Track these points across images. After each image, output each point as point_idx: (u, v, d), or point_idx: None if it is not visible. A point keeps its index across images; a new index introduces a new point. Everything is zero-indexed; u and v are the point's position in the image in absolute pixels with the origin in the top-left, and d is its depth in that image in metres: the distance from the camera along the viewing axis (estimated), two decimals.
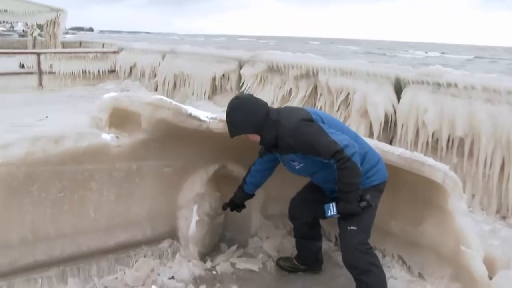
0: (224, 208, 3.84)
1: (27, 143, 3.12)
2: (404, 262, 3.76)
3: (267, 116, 3.09)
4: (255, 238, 4.20)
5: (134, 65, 13.94)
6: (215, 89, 10.45)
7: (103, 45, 16.60)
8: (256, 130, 3.12)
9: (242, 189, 3.69)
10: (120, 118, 3.57)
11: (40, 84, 14.21)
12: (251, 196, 3.74)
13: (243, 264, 3.83)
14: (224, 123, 3.51)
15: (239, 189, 3.72)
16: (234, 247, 4.05)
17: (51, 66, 14.43)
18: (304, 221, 3.56)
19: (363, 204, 2.99)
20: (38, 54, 14.41)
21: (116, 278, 3.55)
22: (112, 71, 15.05)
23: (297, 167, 3.24)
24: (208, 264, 3.81)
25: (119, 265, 3.62)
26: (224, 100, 9.65)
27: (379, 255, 3.86)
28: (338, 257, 3.98)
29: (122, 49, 15.01)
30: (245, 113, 3.08)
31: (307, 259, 3.69)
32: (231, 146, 3.64)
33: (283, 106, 3.35)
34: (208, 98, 10.42)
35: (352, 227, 3.06)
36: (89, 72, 14.79)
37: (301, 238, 3.64)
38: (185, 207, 3.88)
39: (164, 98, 3.45)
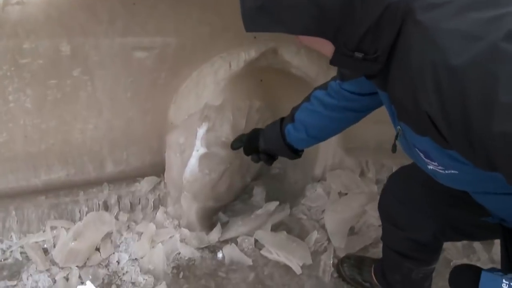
0: (233, 147, 1.95)
1: None
2: None
3: None
4: (317, 188, 2.28)
5: None
6: None
7: None
8: (323, 29, 0.96)
9: (282, 133, 1.71)
10: None
11: None
12: (296, 154, 1.77)
13: (273, 251, 2.01)
14: None
15: (277, 127, 1.73)
16: (273, 204, 2.20)
17: None
18: (412, 237, 1.54)
19: None
20: None
21: (44, 242, 2.00)
22: None
23: (430, 167, 1.14)
24: (214, 235, 2.07)
25: (56, 218, 2.04)
26: None
27: None
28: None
29: None
30: None
31: (398, 285, 1.76)
32: None
33: None
34: None
35: None
36: None
37: (397, 254, 1.66)
38: (182, 128, 2.03)
39: None
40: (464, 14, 0.85)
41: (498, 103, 0.77)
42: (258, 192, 2.30)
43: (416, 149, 1.12)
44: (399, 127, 1.15)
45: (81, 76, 1.83)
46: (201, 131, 2.00)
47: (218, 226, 2.09)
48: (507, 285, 0.99)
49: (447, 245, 2.00)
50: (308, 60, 2.05)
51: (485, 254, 2.03)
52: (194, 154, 2.01)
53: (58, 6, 1.65)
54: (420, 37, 0.90)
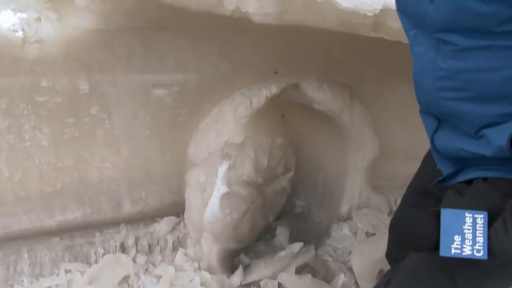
0: None
1: None
2: None
3: None
4: (343, 228, 2.17)
5: None
6: None
7: None
8: None
9: None
10: None
11: None
12: None
13: None
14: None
15: None
16: (297, 245, 2.09)
17: None
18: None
19: None
20: None
21: (58, 286, 1.92)
22: None
23: None
24: (236, 278, 1.96)
25: (71, 261, 1.96)
26: None
27: None
28: None
29: None
30: None
31: None
32: (315, 44, 1.83)
33: None
34: None
35: None
36: None
37: None
38: (202, 166, 1.96)
39: None
40: None
41: None
42: (282, 232, 2.21)
43: None
44: None
45: (99, 114, 1.79)
46: (222, 169, 1.93)
47: (240, 269, 1.99)
48: (471, 217, 0.96)
49: None
50: (331, 95, 1.98)
51: None
52: (215, 193, 1.93)
53: (77, 44, 1.62)
54: None
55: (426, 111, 1.15)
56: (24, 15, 1.58)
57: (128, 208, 2.00)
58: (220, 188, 1.93)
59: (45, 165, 1.82)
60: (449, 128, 1.10)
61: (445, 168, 1.15)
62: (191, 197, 1.97)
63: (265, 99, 1.92)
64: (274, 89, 1.92)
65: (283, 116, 2.13)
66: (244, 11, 1.53)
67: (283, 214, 2.32)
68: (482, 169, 1.07)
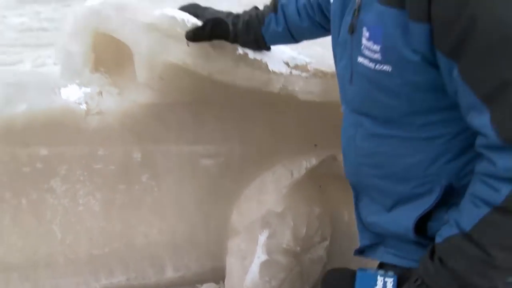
0: (190, 37, 1.48)
1: None
2: None
3: None
4: None
5: None
6: None
7: None
8: None
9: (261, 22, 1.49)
10: (108, 54, 1.80)
11: None
12: (263, 45, 1.57)
13: None
14: (329, 79, 1.62)
15: (258, 15, 1.50)
16: None
17: None
18: None
19: None
20: None
21: None
22: None
23: (361, 60, 1.01)
24: None
25: None
26: None
27: None
28: None
29: None
30: None
31: None
32: None
33: None
34: None
35: None
36: None
37: None
38: (243, 234, 2.03)
39: (182, 14, 1.53)
40: None
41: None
42: None
43: (364, 28, 0.97)
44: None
45: (149, 181, 1.89)
46: (262, 237, 1.99)
47: None
48: (382, 281, 1.12)
49: None
50: None
51: None
52: (255, 261, 1.98)
53: (133, 117, 1.76)
54: None
55: (351, 183, 1.28)
56: (88, 90, 1.74)
57: (170, 273, 2.05)
58: (260, 255, 1.98)
59: (95, 230, 1.90)
60: (369, 201, 1.22)
61: (363, 239, 1.28)
62: (232, 264, 2.02)
63: (305, 171, 2.01)
64: (313, 161, 2.02)
65: (320, 186, 2.20)
66: (290, 89, 1.66)
67: (317, 284, 2.34)
68: (389, 254, 1.19)
